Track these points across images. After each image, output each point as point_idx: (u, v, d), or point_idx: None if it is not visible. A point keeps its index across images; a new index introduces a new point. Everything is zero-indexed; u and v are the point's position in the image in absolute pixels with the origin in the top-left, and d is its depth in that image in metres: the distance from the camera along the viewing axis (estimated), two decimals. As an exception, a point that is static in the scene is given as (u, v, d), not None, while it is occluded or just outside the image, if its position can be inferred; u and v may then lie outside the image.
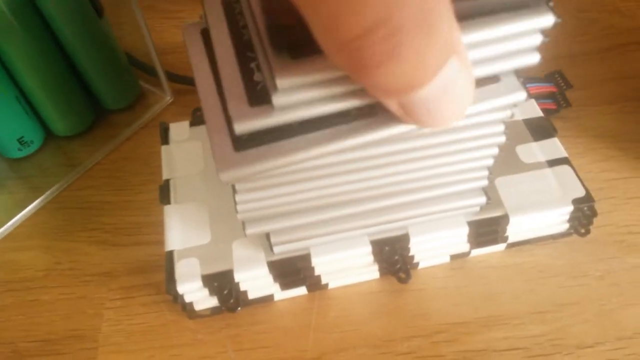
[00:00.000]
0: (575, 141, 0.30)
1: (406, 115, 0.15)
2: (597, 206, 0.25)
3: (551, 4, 0.17)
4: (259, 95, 0.17)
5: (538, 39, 0.17)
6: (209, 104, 0.18)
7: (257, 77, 0.17)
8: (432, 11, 0.12)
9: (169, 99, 0.34)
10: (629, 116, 0.32)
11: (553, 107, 0.31)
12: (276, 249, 0.23)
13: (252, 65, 0.17)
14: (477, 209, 0.24)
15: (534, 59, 0.18)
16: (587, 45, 0.36)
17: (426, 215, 0.24)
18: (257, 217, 0.22)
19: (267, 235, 0.23)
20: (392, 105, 0.15)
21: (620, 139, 0.31)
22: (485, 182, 0.23)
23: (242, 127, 0.17)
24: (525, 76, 0.30)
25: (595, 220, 0.25)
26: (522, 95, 0.19)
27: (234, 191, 0.20)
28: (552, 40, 0.36)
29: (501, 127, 0.21)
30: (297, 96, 0.16)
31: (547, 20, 0.17)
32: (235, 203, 0.21)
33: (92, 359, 0.25)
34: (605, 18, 0.38)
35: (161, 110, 0.34)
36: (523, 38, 0.17)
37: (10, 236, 0.29)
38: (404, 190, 0.22)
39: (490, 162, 0.22)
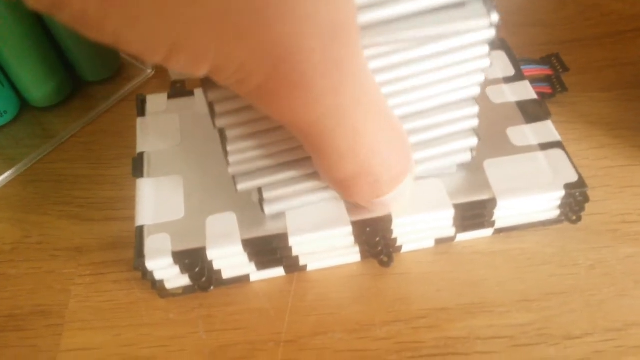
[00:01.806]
0: (570, 127, 0.29)
1: (368, 207, 0.22)
2: (591, 194, 0.24)
3: None
4: None
5: None
6: None
7: None
8: (397, 167, 0.19)
9: (150, 72, 0.33)
10: (626, 104, 0.30)
11: (549, 91, 0.30)
12: (267, 209, 0.22)
13: None
14: (469, 153, 0.23)
15: None
16: (586, 30, 0.35)
17: (417, 162, 0.23)
18: (249, 170, 0.21)
19: (259, 191, 0.22)
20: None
21: (617, 126, 0.29)
22: (476, 122, 0.22)
23: None
24: (521, 58, 0.29)
25: (587, 206, 0.24)
26: (485, 21, 0.18)
27: (225, 139, 0.19)
28: (551, 24, 0.35)
29: (486, 49, 0.20)
30: None
31: None
32: (227, 154, 0.20)
33: (57, 335, 0.23)
34: (607, 4, 0.36)
35: (141, 84, 0.33)
36: None
37: (-21, 208, 0.28)
38: None
39: (477, 91, 0.21)
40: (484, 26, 0.19)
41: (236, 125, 0.19)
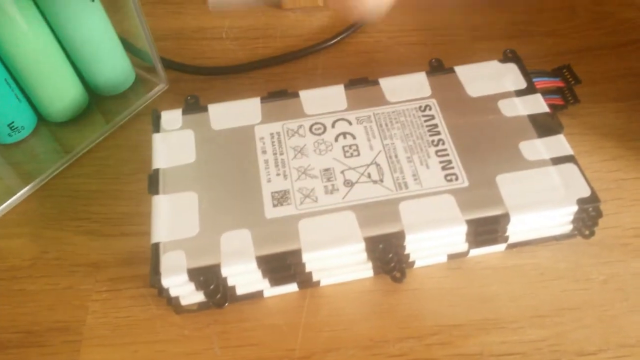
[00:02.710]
0: (582, 139, 0.29)
1: None
2: (603, 207, 0.24)
3: None
4: None
5: None
6: None
7: None
8: None
9: (164, 86, 0.33)
10: (639, 114, 0.30)
11: (560, 102, 0.30)
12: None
13: None
14: None
15: None
16: (599, 39, 0.35)
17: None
18: None
19: None
20: None
21: (629, 137, 0.29)
22: None
23: None
24: (532, 70, 0.29)
25: (600, 221, 0.24)
26: None
27: None
28: (564, 34, 0.35)
29: None
30: None
31: None
32: None
33: (75, 351, 0.24)
34: (621, 12, 0.36)
35: (156, 98, 0.33)
36: None
37: (-2, 223, 0.29)
38: None
39: None
40: None
41: None
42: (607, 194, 0.27)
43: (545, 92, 0.28)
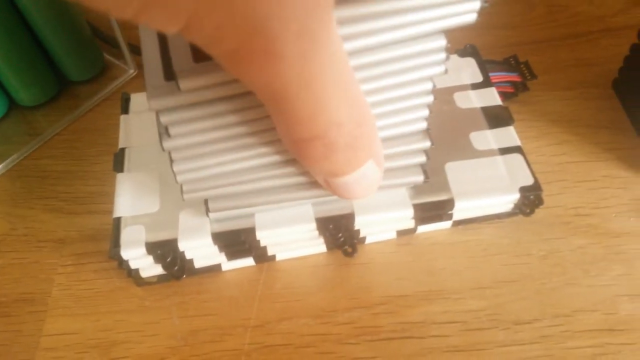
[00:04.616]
0: (530, 125, 0.31)
1: (328, 188, 0.21)
2: (547, 188, 0.26)
3: None
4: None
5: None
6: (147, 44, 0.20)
7: None
8: (360, 137, 0.18)
9: (132, 72, 0.34)
10: (588, 102, 0.32)
11: (511, 90, 0.31)
12: (212, 216, 0.23)
13: None
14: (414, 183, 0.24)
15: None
16: (553, 31, 0.36)
17: None
18: (195, 181, 0.22)
19: (205, 201, 0.23)
20: (319, 179, 0.21)
21: (577, 123, 0.31)
22: (423, 159, 0.23)
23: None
24: (488, 59, 0.30)
25: (540, 207, 0.26)
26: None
27: (171, 161, 0.21)
28: (520, 25, 0.37)
29: (429, 85, 0.21)
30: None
31: None
32: (174, 174, 0.21)
33: (40, 321, 0.25)
34: (575, 5, 0.38)
35: (124, 83, 0.34)
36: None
37: (-31, 202, 0.30)
38: None
39: (424, 125, 0.22)
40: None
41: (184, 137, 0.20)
42: (551, 176, 0.28)
43: (498, 82, 0.30)
